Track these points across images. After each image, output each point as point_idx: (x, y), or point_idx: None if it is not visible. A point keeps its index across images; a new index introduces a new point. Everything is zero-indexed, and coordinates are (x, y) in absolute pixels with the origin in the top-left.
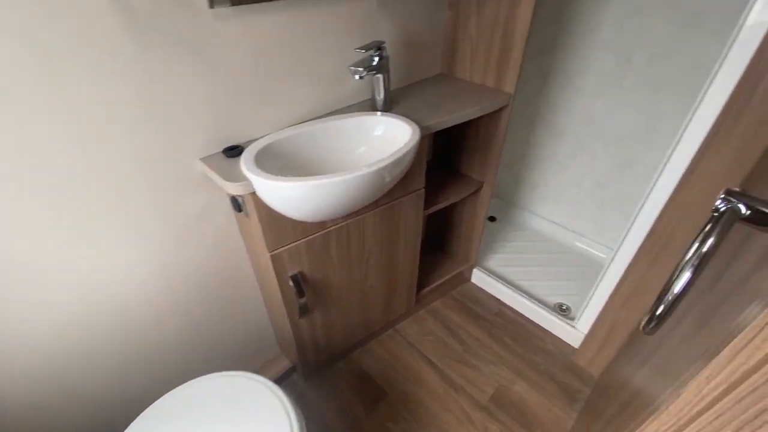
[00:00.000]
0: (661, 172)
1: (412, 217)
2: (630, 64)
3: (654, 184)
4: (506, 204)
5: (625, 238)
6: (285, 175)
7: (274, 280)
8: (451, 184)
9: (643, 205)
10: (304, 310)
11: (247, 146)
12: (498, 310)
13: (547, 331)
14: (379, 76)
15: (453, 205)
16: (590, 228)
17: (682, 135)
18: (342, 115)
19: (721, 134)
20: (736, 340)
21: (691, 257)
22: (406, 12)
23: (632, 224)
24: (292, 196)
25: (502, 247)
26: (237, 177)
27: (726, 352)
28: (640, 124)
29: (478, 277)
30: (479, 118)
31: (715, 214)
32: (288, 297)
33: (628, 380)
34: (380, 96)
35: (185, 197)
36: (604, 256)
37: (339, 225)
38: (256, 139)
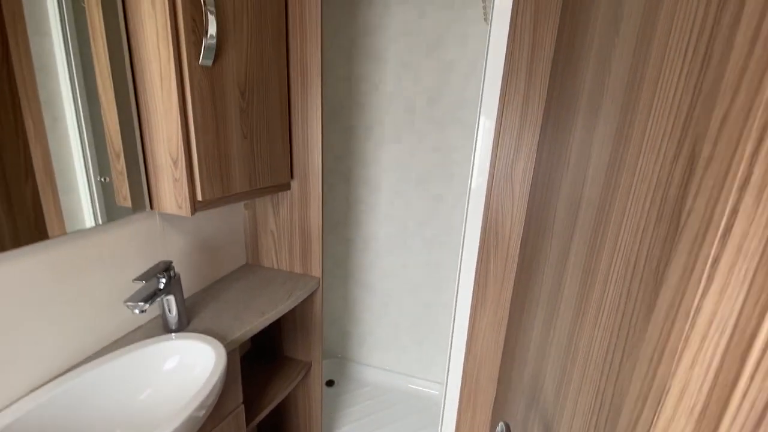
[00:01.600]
0: (454, 317)
1: None
2: (407, 228)
3: (453, 329)
4: (340, 361)
5: (447, 383)
6: None
7: None
8: (277, 373)
9: (450, 351)
10: None
11: None
12: None
13: None
14: (170, 297)
15: None
16: (419, 367)
17: (456, 297)
18: (112, 354)
19: (478, 301)
20: None
21: None
22: (197, 220)
23: (448, 370)
24: None
25: (346, 416)
26: None
27: None
28: (427, 274)
29: None
30: None
31: None
32: None
33: None
34: (172, 313)
35: None
36: (437, 392)
37: None
38: None
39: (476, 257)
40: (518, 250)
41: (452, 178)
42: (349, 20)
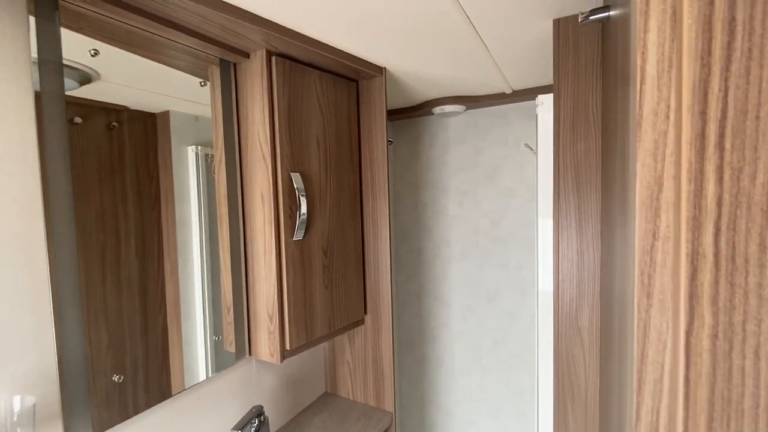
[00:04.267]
0: None
1: None
2: (481, 346)
3: None
4: None
5: None
6: None
7: None
8: None
9: None
10: None
11: None
12: None
13: None
14: None
15: None
16: None
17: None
18: None
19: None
20: None
21: None
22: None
23: None
24: None
25: None
26: None
27: None
28: (507, 398)
29: None
30: None
31: None
32: None
33: None
34: None
35: None
36: None
37: None
38: None
39: (552, 412)
40: (599, 401)
41: (524, 293)
42: (415, 159)
